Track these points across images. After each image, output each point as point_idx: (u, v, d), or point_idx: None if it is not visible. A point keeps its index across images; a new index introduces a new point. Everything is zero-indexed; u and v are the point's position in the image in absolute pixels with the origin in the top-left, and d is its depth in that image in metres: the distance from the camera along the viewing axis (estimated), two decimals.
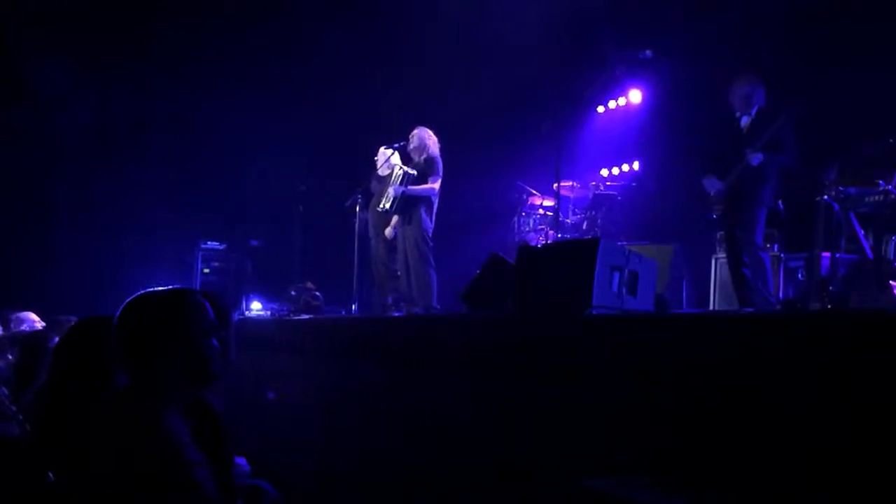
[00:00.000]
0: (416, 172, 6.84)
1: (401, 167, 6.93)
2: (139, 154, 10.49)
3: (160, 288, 2.11)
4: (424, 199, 6.83)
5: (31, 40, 9.33)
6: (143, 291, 2.08)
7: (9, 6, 9.29)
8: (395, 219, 7.10)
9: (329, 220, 9.07)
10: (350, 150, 9.54)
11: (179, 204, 10.30)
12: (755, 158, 5.47)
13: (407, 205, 6.81)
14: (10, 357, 4.55)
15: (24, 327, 5.65)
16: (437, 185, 6.88)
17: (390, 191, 6.87)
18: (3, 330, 5.86)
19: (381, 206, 7.00)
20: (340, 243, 8.02)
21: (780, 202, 6.09)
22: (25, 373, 3.70)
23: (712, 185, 5.81)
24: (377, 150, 7.46)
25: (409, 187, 6.80)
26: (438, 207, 7.00)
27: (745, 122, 5.77)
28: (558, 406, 2.92)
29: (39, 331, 4.82)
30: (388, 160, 7.22)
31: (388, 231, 7.23)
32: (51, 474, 2.08)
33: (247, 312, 9.54)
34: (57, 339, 3.72)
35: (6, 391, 3.29)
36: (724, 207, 5.77)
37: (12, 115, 9.64)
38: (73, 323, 2.96)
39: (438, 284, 6.78)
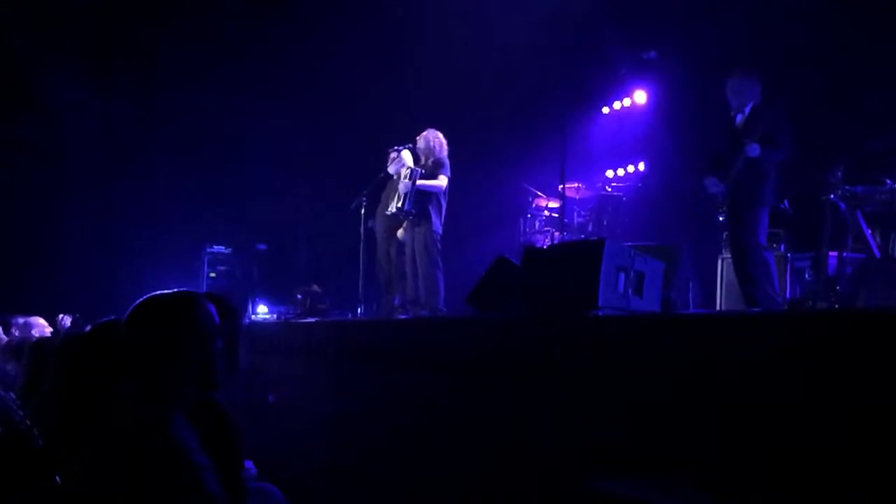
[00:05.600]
0: (424, 171, 6.80)
1: (408, 167, 6.85)
2: (145, 159, 10.55)
3: (166, 291, 2.12)
4: (434, 201, 6.77)
5: (36, 50, 9.39)
6: (150, 294, 2.10)
7: (13, 16, 9.34)
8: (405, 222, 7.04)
9: (335, 222, 9.08)
10: (355, 152, 9.57)
11: (185, 209, 10.35)
12: (753, 149, 5.39)
13: (418, 205, 6.73)
14: (19, 362, 4.56)
15: (33, 332, 5.67)
16: (445, 182, 6.81)
17: (400, 187, 6.80)
18: (9, 335, 5.88)
19: (390, 209, 6.92)
20: (346, 246, 8.02)
21: (786, 201, 6.05)
22: (35, 379, 3.70)
23: (713, 184, 5.77)
24: (382, 153, 7.44)
25: (419, 182, 6.71)
26: (445, 209, 6.98)
27: (739, 119, 5.72)
28: (566, 407, 2.91)
29: (50, 338, 4.84)
30: (400, 157, 7.18)
31: (401, 233, 7.16)
32: (58, 478, 2.08)
33: (253, 316, 9.57)
34: None
35: (13, 396, 3.29)
36: (726, 208, 5.73)
37: (21, 124, 9.70)
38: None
39: (444, 286, 6.75)
